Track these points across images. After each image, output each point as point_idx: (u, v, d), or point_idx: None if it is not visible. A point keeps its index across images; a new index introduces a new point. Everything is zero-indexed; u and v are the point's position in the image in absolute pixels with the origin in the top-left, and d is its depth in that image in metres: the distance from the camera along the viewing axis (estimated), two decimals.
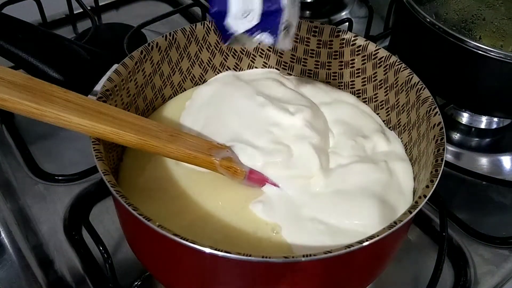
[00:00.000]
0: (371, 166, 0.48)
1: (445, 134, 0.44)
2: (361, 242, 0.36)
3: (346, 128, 0.53)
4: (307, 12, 0.92)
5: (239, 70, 0.60)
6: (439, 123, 0.46)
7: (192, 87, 0.58)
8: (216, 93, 0.55)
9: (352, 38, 0.55)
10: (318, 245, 0.42)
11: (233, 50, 0.58)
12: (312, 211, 0.45)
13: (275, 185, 0.46)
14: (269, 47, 0.58)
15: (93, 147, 0.41)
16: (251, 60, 0.59)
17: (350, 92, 0.58)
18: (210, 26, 0.55)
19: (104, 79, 0.48)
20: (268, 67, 0.60)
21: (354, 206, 0.45)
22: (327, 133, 0.52)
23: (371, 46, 0.54)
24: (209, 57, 0.57)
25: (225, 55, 0.58)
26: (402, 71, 0.52)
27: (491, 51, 0.57)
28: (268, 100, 0.52)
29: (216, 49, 0.57)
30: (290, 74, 0.60)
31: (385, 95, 0.55)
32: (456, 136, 0.70)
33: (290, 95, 0.55)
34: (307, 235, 0.43)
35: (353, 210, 0.45)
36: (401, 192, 0.46)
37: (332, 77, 0.59)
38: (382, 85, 0.55)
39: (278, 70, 0.60)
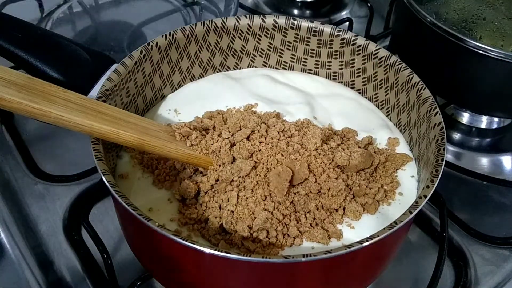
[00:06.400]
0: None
1: (445, 134, 0.44)
2: (361, 242, 0.36)
3: (350, 123, 0.53)
4: (307, 12, 0.92)
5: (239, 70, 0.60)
6: (440, 123, 0.46)
7: None
8: (205, 90, 0.56)
9: (353, 38, 0.55)
10: None
11: (233, 50, 0.58)
12: None
13: None
14: (269, 46, 0.58)
15: (93, 147, 0.41)
16: (251, 60, 0.59)
17: None
18: (210, 25, 0.55)
19: (104, 79, 0.48)
20: (268, 67, 0.60)
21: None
22: (331, 122, 0.53)
23: (372, 46, 0.54)
24: (209, 57, 0.57)
25: (225, 55, 0.58)
26: (402, 70, 0.52)
27: (491, 50, 0.57)
28: (264, 104, 0.53)
29: (216, 49, 0.57)
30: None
31: (386, 95, 0.55)
32: (457, 136, 0.70)
33: (284, 92, 0.55)
34: None
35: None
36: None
37: (332, 77, 0.59)
38: (383, 85, 0.55)
39: (278, 69, 0.60)
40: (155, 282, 0.51)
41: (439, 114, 0.47)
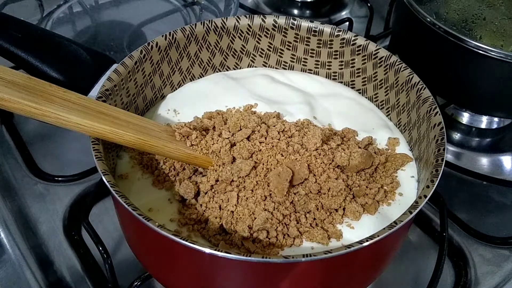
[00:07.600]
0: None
1: (445, 134, 0.44)
2: (361, 242, 0.36)
3: (350, 123, 0.53)
4: (307, 12, 0.92)
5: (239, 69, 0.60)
6: (440, 123, 0.46)
7: None
8: (204, 90, 0.56)
9: (353, 38, 0.55)
10: None
11: (233, 50, 0.58)
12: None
13: None
14: (269, 46, 0.58)
15: (93, 147, 0.41)
16: (251, 60, 0.59)
17: None
18: (210, 25, 0.55)
19: (104, 79, 0.48)
20: (268, 67, 0.60)
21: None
22: (331, 122, 0.53)
23: (372, 46, 0.54)
24: (209, 57, 0.57)
25: (225, 55, 0.58)
26: (402, 71, 0.52)
27: (491, 50, 0.57)
28: (264, 104, 0.52)
29: (216, 49, 0.57)
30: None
31: (386, 95, 0.55)
32: (457, 136, 0.70)
33: (283, 92, 0.55)
34: None
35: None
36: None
37: (332, 77, 0.59)
38: (383, 85, 0.55)
39: (278, 69, 0.60)
40: (155, 282, 0.51)
41: (439, 114, 0.47)
